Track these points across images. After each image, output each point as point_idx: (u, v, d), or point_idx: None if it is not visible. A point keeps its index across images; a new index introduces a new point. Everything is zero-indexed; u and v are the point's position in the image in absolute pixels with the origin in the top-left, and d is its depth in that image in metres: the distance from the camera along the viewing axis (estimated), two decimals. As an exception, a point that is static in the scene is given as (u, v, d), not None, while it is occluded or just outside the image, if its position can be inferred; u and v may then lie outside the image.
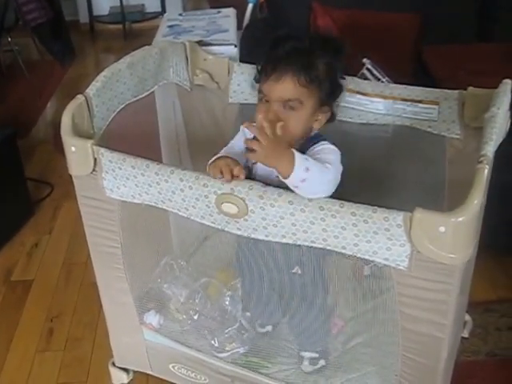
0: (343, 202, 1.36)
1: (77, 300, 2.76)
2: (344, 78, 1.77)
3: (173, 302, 2.06)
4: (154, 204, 1.62)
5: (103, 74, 1.85)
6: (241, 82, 2.15)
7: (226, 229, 1.53)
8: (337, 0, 3.36)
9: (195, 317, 2.00)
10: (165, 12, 6.89)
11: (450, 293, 1.40)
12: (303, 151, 1.56)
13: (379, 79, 2.36)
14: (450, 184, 1.93)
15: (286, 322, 1.99)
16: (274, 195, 1.40)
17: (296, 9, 3.45)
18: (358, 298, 1.89)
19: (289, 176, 1.44)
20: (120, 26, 6.89)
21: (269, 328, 2.05)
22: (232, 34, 2.58)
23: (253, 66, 2.03)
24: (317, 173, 1.47)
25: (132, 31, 6.91)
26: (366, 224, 1.33)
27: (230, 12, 2.95)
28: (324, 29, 3.16)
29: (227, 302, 1.96)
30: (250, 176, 1.64)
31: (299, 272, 1.75)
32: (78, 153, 1.65)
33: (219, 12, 2.95)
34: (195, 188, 1.48)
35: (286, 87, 1.62)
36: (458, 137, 1.88)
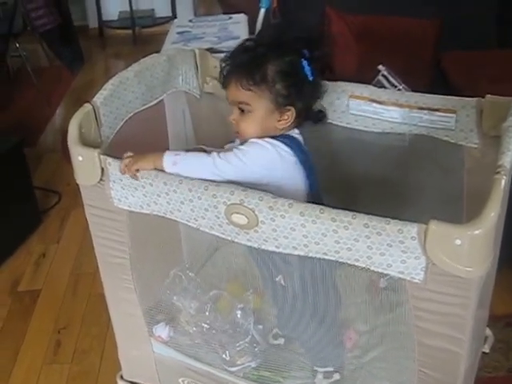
0: (356, 213, 1.34)
1: (85, 311, 2.77)
2: (323, 77, 1.78)
3: (183, 315, 2.05)
4: (162, 214, 1.61)
5: (111, 82, 1.86)
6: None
7: (236, 240, 1.52)
8: (351, 5, 3.35)
9: (206, 330, 1.99)
10: (175, 17, 6.92)
11: (466, 307, 1.38)
12: None
13: (395, 86, 2.35)
14: (469, 194, 1.91)
15: (296, 336, 1.98)
16: (284, 206, 1.39)
17: (309, 14, 3.45)
18: (374, 310, 1.89)
19: (165, 167, 1.57)
20: (129, 31, 6.93)
21: (281, 340, 2.04)
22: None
23: None
24: (186, 157, 1.60)
25: (142, 36, 6.93)
26: (379, 236, 1.32)
27: (242, 18, 2.96)
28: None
29: (239, 315, 1.95)
30: None
31: (282, 282, 1.77)
32: (85, 162, 1.65)
33: (230, 18, 2.96)
34: (204, 198, 1.48)
35: (232, 91, 1.71)
36: (476, 146, 1.86)
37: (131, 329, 2.04)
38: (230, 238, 1.53)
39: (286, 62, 1.68)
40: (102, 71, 6.38)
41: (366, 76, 2.25)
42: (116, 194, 1.66)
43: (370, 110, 2.01)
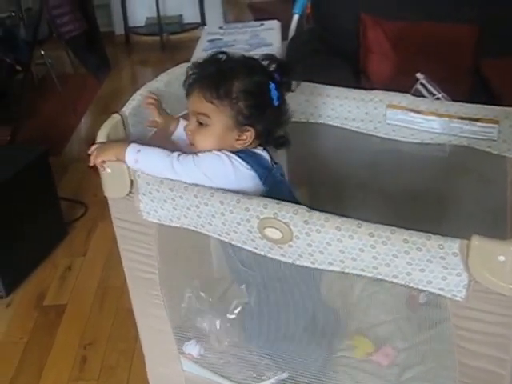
0: (394, 227, 1.33)
1: (112, 326, 2.77)
2: (283, 105, 1.78)
3: (212, 332, 2.04)
4: (193, 228, 1.61)
5: (139, 92, 1.87)
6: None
7: (269, 255, 1.51)
8: (388, 11, 3.34)
9: (232, 345, 1.98)
10: (204, 23, 6.95)
11: (510, 326, 1.36)
12: None
13: (434, 95, 2.34)
14: (513, 208, 1.90)
15: None
16: (320, 220, 1.38)
17: (344, 20, 3.45)
18: (413, 327, 1.87)
19: (127, 161, 1.63)
20: (157, 38, 6.96)
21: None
22: (276, 49, 2.57)
23: (297, 82, 2.05)
24: (147, 153, 1.64)
25: (170, 43, 6.97)
26: (419, 252, 1.31)
27: (274, 24, 2.96)
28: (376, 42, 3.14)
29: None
30: None
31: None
32: (113, 174, 1.66)
33: (262, 24, 2.95)
34: (236, 212, 1.48)
35: (194, 100, 1.72)
36: (520, 157, 1.86)
37: (160, 346, 2.04)
38: (263, 253, 1.52)
39: (254, 82, 1.70)
40: (128, 79, 6.44)
41: (402, 84, 2.24)
42: (145, 207, 1.66)
43: (408, 119, 2.01)
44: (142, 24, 7.22)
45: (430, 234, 1.30)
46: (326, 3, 3.60)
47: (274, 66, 1.74)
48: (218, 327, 1.98)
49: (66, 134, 4.88)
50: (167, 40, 7.00)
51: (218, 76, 1.68)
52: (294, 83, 1.80)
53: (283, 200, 1.48)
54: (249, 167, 1.68)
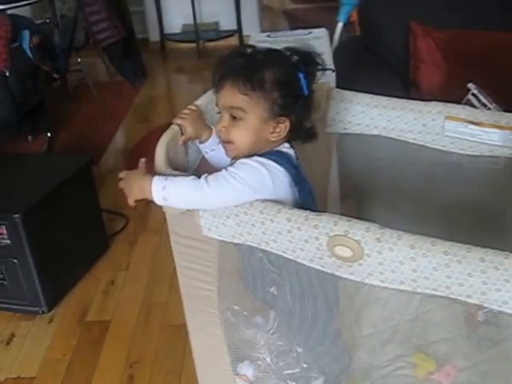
0: (471, 246, 1.33)
1: (158, 344, 2.78)
2: (312, 92, 1.78)
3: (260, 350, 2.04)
4: (256, 245, 1.61)
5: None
6: (340, 110, 2.14)
7: (337, 273, 1.51)
8: (438, 19, 3.33)
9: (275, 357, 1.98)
10: (241, 30, 6.98)
11: None
12: None
13: (486, 105, 2.33)
14: None
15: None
16: (393, 238, 1.38)
17: (393, 29, 3.44)
18: (472, 345, 1.86)
19: (154, 200, 1.61)
20: (193, 45, 7.00)
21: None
22: (328, 58, 2.57)
23: (353, 92, 2.06)
24: (174, 189, 1.61)
25: (206, 50, 7.00)
26: (496, 271, 1.30)
27: (322, 33, 2.95)
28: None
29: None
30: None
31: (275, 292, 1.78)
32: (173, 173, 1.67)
33: (310, 33, 2.95)
34: (304, 229, 1.47)
35: (226, 94, 1.71)
36: None
37: (215, 365, 2.04)
38: (330, 271, 1.52)
39: (284, 72, 1.70)
40: (164, 86, 6.47)
41: (454, 95, 2.24)
42: (206, 223, 1.66)
43: (467, 131, 2.00)
44: (178, 31, 7.27)
45: (508, 253, 1.30)
46: (373, 12, 3.61)
47: (295, 57, 1.75)
48: (259, 339, 1.99)
49: (103, 143, 4.90)
50: (203, 47, 7.04)
51: (249, 67, 1.68)
52: (319, 73, 1.81)
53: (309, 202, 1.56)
54: (283, 169, 1.68)
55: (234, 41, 7.06)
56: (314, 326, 1.81)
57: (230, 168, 1.64)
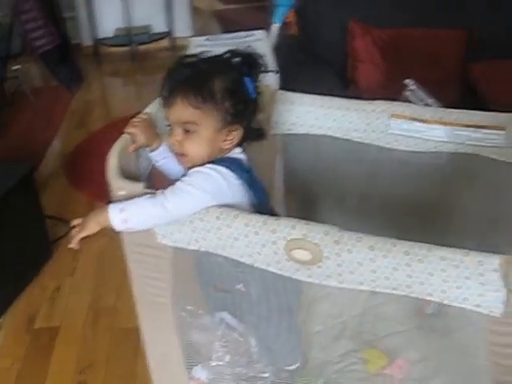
0: (431, 245, 1.31)
1: (108, 348, 2.71)
2: (258, 94, 1.76)
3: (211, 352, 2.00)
4: (212, 251, 1.56)
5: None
6: (284, 111, 2.12)
7: (295, 276, 1.47)
8: (376, 18, 3.33)
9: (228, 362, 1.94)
10: (173, 32, 6.96)
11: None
12: None
13: (423, 100, 2.33)
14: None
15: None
16: (351, 240, 1.35)
17: (331, 29, 3.43)
18: (422, 338, 1.85)
19: (113, 225, 1.55)
20: (125, 49, 6.93)
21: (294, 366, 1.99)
22: (269, 59, 2.53)
23: (297, 93, 2.06)
24: (134, 208, 1.55)
25: (138, 53, 6.90)
26: (457, 269, 1.29)
27: (261, 34, 2.92)
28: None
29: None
30: None
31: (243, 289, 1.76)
32: (127, 196, 1.60)
33: (250, 35, 2.91)
34: (262, 233, 1.44)
35: (178, 110, 1.66)
36: (528, 164, 1.84)
37: (170, 371, 2.00)
38: (287, 275, 1.48)
39: (231, 79, 1.68)
40: (99, 90, 6.38)
41: (392, 91, 2.23)
42: (160, 230, 1.60)
43: (413, 129, 1.99)
44: (111, 35, 7.16)
45: (467, 251, 1.28)
46: (311, 11, 3.58)
47: (238, 60, 1.72)
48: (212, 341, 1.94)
49: (41, 148, 4.79)
50: (136, 50, 6.94)
51: (197, 78, 1.65)
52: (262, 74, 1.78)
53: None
54: (235, 176, 1.65)
55: (165, 43, 7.01)
56: (275, 322, 1.81)
57: (185, 178, 1.60)
